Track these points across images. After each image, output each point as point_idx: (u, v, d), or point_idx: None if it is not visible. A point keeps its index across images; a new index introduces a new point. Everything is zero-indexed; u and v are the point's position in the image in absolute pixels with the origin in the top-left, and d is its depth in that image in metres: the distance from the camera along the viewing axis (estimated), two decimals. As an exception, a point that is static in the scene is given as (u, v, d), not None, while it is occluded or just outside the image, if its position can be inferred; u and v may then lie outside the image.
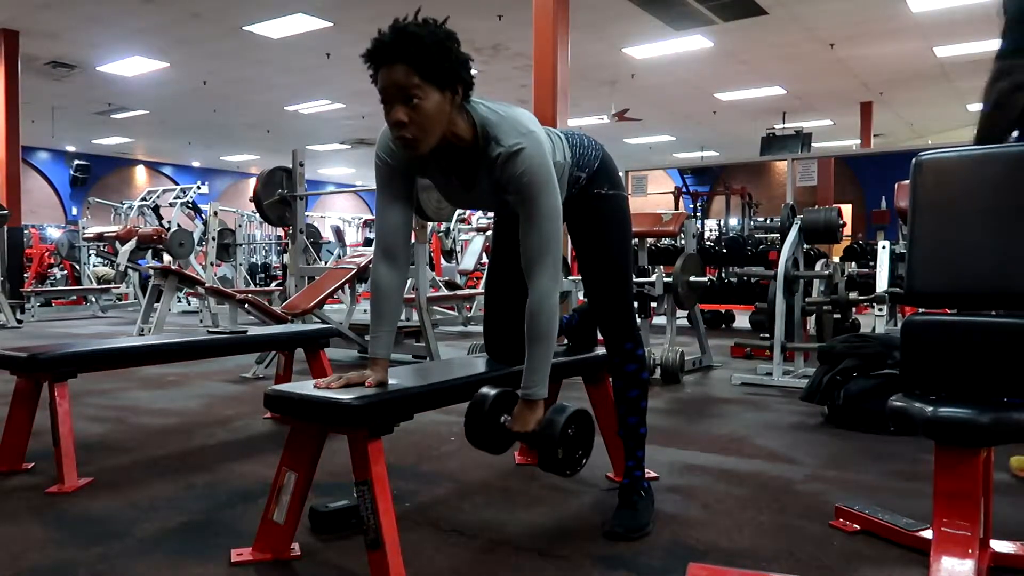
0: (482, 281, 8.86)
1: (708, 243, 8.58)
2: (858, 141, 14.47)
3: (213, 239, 10.27)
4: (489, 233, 9.66)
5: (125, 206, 12.83)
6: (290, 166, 5.79)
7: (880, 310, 4.65)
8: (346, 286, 5.51)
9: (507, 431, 1.72)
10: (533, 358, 1.71)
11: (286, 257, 9.78)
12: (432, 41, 1.54)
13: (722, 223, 15.09)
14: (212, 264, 10.31)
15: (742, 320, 8.36)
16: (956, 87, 12.46)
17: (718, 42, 10.01)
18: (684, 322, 6.19)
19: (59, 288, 11.47)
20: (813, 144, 13.55)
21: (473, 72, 1.65)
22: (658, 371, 4.45)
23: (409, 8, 1.61)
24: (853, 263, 7.29)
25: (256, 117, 14.86)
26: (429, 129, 1.59)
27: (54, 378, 2.37)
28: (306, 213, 6.92)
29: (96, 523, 2.01)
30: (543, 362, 1.71)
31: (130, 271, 10.41)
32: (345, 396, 1.59)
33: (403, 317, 5.98)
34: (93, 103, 13.64)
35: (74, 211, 18.65)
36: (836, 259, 6.97)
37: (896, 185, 5.89)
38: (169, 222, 11.55)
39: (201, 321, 8.30)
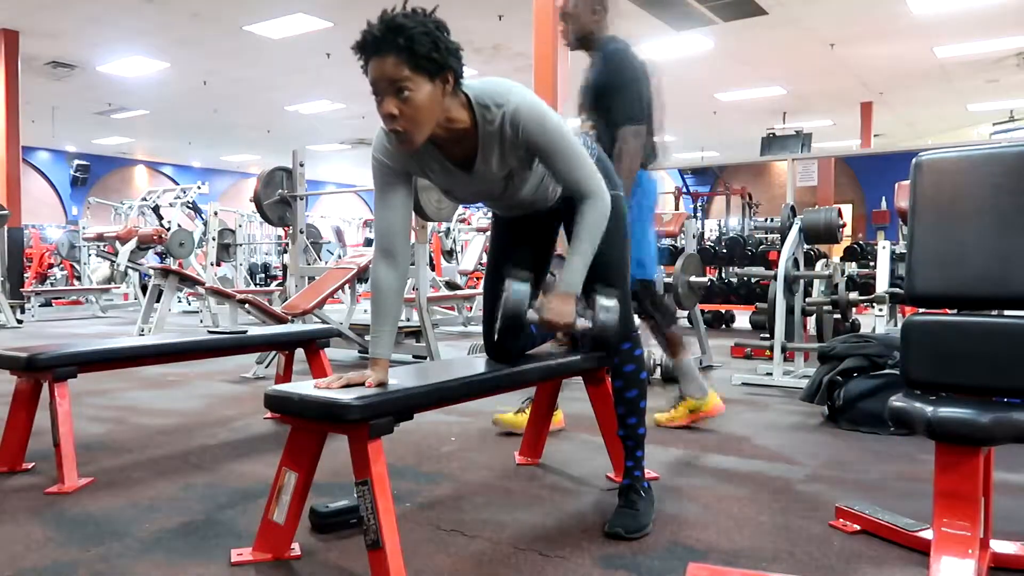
0: (482, 281, 8.85)
1: (708, 243, 8.58)
2: (858, 141, 14.47)
3: (213, 239, 10.27)
4: (489, 233, 9.65)
5: (125, 206, 12.83)
6: (290, 166, 5.79)
7: (880, 310, 4.65)
8: (346, 286, 5.51)
9: (542, 321, 1.76)
10: (579, 254, 1.78)
11: (286, 257, 9.78)
12: (421, 31, 1.53)
13: (722, 223, 15.08)
14: (212, 264, 10.31)
15: (742, 320, 8.36)
16: (956, 87, 12.46)
17: (718, 42, 10.01)
18: (684, 322, 6.19)
19: (59, 288, 11.47)
20: (813, 144, 13.55)
21: (465, 62, 1.64)
22: (658, 371, 4.45)
23: (409, 6, 1.61)
24: (853, 263, 7.29)
25: (256, 117, 14.86)
26: (421, 121, 1.59)
27: (54, 378, 2.37)
28: (306, 213, 6.92)
29: (96, 523, 2.01)
30: (586, 259, 1.79)
31: (130, 271, 10.41)
32: (345, 396, 1.59)
33: (403, 317, 5.98)
34: (93, 103, 13.64)
35: (74, 211, 18.65)
36: (836, 259, 6.97)
37: (896, 185, 5.89)
38: (169, 222, 11.55)
39: (201, 321, 8.30)
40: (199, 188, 12.26)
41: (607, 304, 1.77)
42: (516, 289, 1.76)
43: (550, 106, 1.75)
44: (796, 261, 4.52)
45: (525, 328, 1.81)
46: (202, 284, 6.80)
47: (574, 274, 1.78)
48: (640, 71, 2.90)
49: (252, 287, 11.16)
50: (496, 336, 2.01)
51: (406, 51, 1.52)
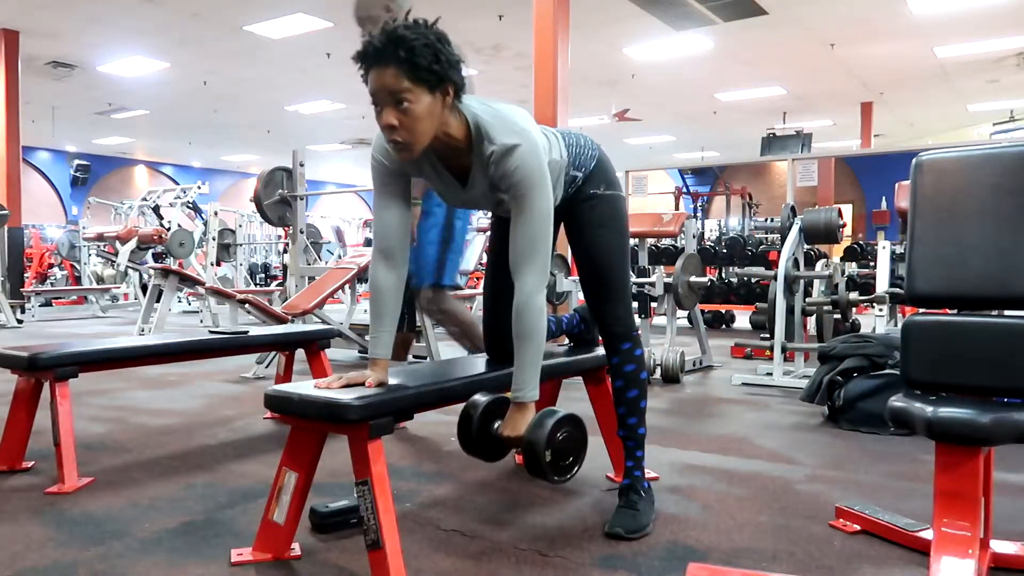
0: (482, 281, 8.84)
1: (708, 243, 8.58)
2: (858, 141, 14.47)
3: (213, 239, 10.27)
4: (489, 233, 9.64)
5: (125, 206, 12.83)
6: (290, 166, 5.79)
7: (880, 310, 4.65)
8: (346, 286, 5.51)
9: (499, 438, 1.70)
10: (521, 358, 1.70)
11: (286, 257, 9.77)
12: (422, 44, 1.53)
13: (722, 223, 15.08)
14: (212, 264, 10.31)
15: (742, 320, 8.36)
16: (956, 87, 12.46)
17: (718, 42, 10.01)
18: (684, 322, 6.19)
19: (59, 288, 11.47)
20: (813, 144, 13.55)
21: (467, 72, 1.64)
22: (658, 371, 4.45)
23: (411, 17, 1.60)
24: (853, 263, 7.29)
25: (256, 117, 14.86)
26: (419, 132, 1.59)
27: (55, 378, 2.37)
28: (306, 213, 6.92)
29: (96, 523, 2.01)
30: (532, 363, 1.70)
31: (130, 271, 10.41)
32: (345, 396, 1.59)
33: (403, 317, 5.97)
34: (93, 103, 13.64)
35: (74, 211, 18.64)
36: (836, 259, 6.97)
37: (896, 185, 5.89)
38: (169, 222, 11.55)
39: (201, 321, 8.31)
40: (199, 188, 12.25)
41: (540, 420, 1.67)
42: (475, 401, 1.73)
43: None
44: (796, 261, 4.52)
45: (486, 443, 1.73)
46: (202, 284, 6.80)
47: (524, 380, 1.69)
48: None
49: (252, 287, 11.16)
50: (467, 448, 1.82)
51: (407, 63, 1.52)
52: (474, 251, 10.03)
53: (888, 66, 11.17)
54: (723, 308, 8.10)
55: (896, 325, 4.67)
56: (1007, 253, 1.56)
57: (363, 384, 1.68)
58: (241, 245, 10.89)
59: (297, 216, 5.76)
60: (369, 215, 17.47)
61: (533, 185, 1.65)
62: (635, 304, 2.78)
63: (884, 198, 7.74)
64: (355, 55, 1.57)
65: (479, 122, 1.66)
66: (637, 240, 5.24)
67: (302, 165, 5.71)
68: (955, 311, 1.66)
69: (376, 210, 1.81)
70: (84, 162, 18.78)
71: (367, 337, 1.82)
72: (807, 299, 4.67)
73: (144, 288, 9.36)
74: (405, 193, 1.81)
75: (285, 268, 9.84)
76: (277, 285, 10.98)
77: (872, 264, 6.72)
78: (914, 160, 1.70)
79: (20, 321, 8.41)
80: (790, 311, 4.43)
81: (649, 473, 2.22)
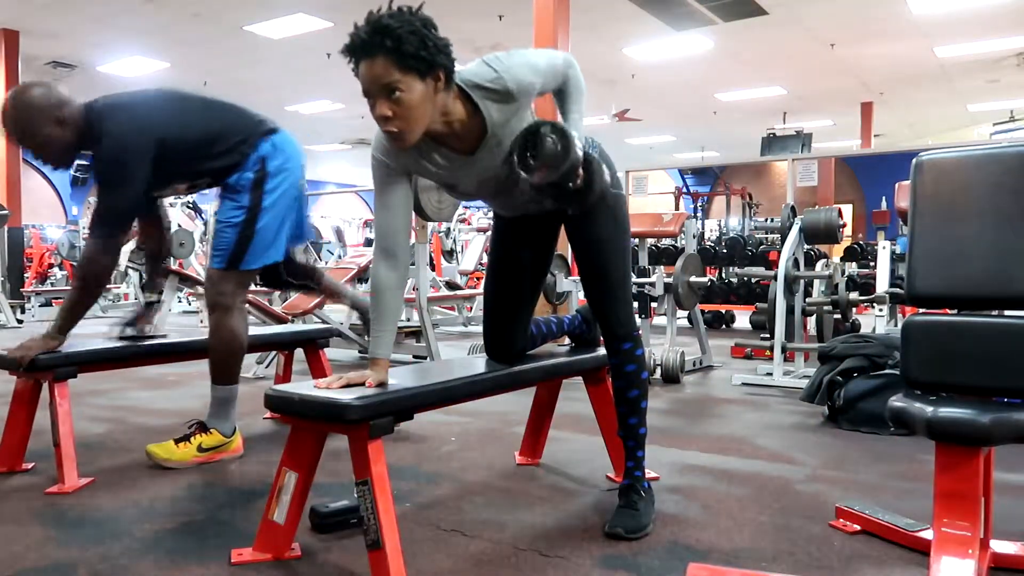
0: (482, 281, 8.85)
1: (708, 243, 8.58)
2: (858, 141, 14.48)
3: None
4: (489, 233, 9.66)
5: (125, 206, 12.78)
6: (290, 166, 5.77)
7: (880, 310, 4.65)
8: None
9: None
10: (577, 111, 1.87)
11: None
12: (408, 31, 1.52)
13: (722, 223, 15.08)
14: (212, 264, 10.28)
15: (742, 320, 8.36)
16: (956, 87, 12.47)
17: (718, 42, 10.01)
18: (684, 322, 6.19)
19: (59, 288, 11.46)
20: (813, 144, 13.55)
21: (453, 51, 1.63)
22: (658, 371, 4.45)
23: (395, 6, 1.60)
24: (853, 263, 7.29)
25: (256, 117, 14.86)
26: (414, 119, 1.59)
27: (54, 378, 2.37)
28: (306, 213, 6.90)
29: (96, 523, 2.01)
30: (582, 114, 1.87)
31: (130, 271, 10.40)
32: (345, 396, 1.59)
33: (403, 317, 5.98)
34: (93, 103, 13.63)
35: (74, 211, 18.63)
36: (836, 259, 6.97)
37: (896, 185, 5.88)
38: (170, 222, 11.52)
39: (201, 321, 8.30)
40: (199, 188, 12.23)
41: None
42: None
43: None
44: (796, 261, 4.52)
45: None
46: (202, 284, 6.79)
47: (575, 125, 1.82)
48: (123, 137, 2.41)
49: (252, 287, 11.15)
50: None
51: (394, 52, 1.52)
52: (474, 251, 10.05)
53: (888, 66, 11.17)
54: (723, 308, 8.10)
55: (896, 325, 4.68)
56: (1007, 253, 1.56)
57: (363, 384, 1.68)
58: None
59: (297, 216, 5.74)
60: (369, 215, 17.48)
61: (535, 55, 1.76)
62: (635, 304, 2.77)
63: (884, 198, 7.74)
64: (343, 48, 1.57)
65: (468, 79, 1.68)
66: (637, 240, 5.24)
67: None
68: (955, 311, 1.66)
69: (377, 209, 1.81)
70: (84, 162, 18.64)
71: (367, 337, 1.82)
72: (807, 299, 4.67)
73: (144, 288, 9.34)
74: (407, 192, 1.81)
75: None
76: (277, 285, 10.96)
77: (872, 264, 6.72)
78: (914, 160, 1.70)
79: (20, 321, 8.42)
80: (790, 311, 4.43)
81: (649, 473, 2.22)
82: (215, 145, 2.52)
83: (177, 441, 2.54)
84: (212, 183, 2.61)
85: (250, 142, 2.58)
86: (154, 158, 2.41)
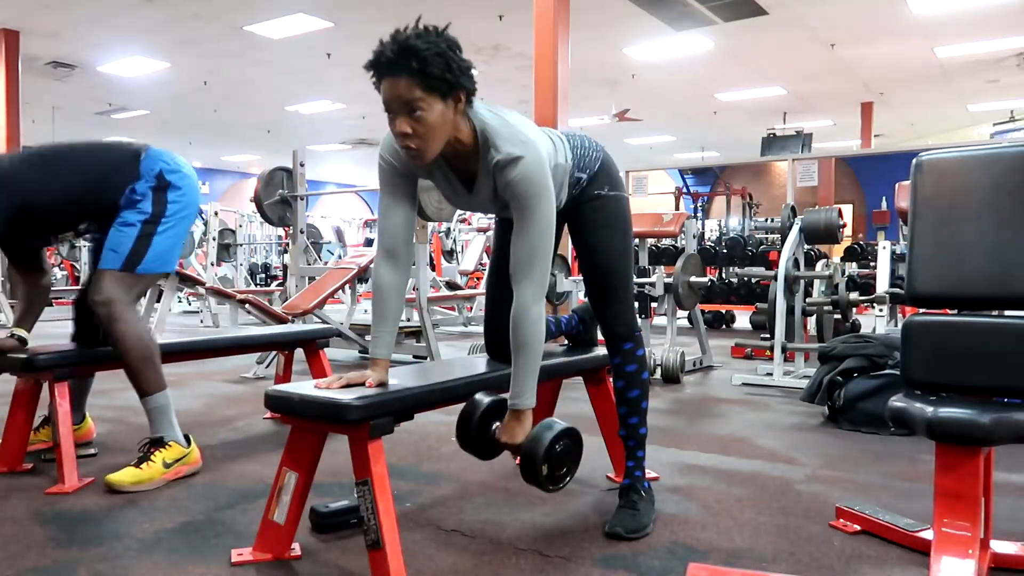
0: (482, 281, 8.87)
1: (709, 243, 8.58)
2: (858, 141, 14.46)
3: (214, 239, 10.27)
4: (490, 233, 9.67)
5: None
6: (290, 166, 5.79)
7: (880, 310, 4.65)
8: (347, 286, 5.51)
9: (496, 441, 1.72)
10: (518, 367, 1.70)
11: (287, 257, 9.77)
12: (434, 52, 1.54)
13: (723, 223, 15.08)
14: (212, 264, 10.30)
15: (742, 320, 8.36)
16: (956, 87, 12.46)
17: (718, 42, 10.00)
18: (684, 322, 6.19)
19: (59, 288, 11.46)
20: (813, 144, 13.55)
21: (475, 74, 1.65)
22: (659, 371, 4.45)
23: (410, 9, 1.61)
24: (853, 263, 7.28)
25: (257, 117, 14.86)
26: (432, 138, 1.60)
27: (54, 378, 2.37)
28: (306, 213, 6.92)
29: (96, 523, 2.01)
30: (528, 371, 1.70)
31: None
32: (345, 396, 1.59)
33: (403, 317, 5.98)
34: (93, 103, 13.63)
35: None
36: (836, 259, 6.97)
37: (896, 185, 5.89)
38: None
39: (201, 321, 8.31)
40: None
41: (539, 434, 1.68)
42: (476, 400, 1.73)
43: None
44: (796, 261, 4.52)
45: (483, 443, 1.74)
46: (202, 284, 6.79)
47: (521, 388, 1.69)
48: None
49: (252, 287, 11.16)
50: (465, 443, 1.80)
51: (419, 73, 1.53)
52: (474, 251, 10.05)
53: (888, 66, 11.16)
54: (723, 308, 8.10)
55: (896, 325, 4.67)
56: (1007, 253, 1.56)
57: (363, 384, 1.68)
58: (241, 245, 10.89)
59: (297, 216, 5.76)
60: (369, 215, 17.48)
61: (536, 196, 1.65)
62: (636, 304, 2.77)
63: (884, 198, 7.75)
64: (367, 64, 1.58)
65: (486, 129, 1.67)
66: (637, 240, 5.24)
67: (302, 165, 5.71)
68: (955, 311, 1.66)
69: (382, 210, 1.81)
70: None
71: (367, 337, 1.82)
72: (807, 299, 4.67)
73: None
74: (411, 193, 1.82)
75: (285, 268, 9.84)
76: (277, 285, 10.99)
77: (872, 264, 6.72)
78: (914, 160, 1.70)
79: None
80: (790, 311, 4.43)
81: (649, 473, 2.22)
82: (86, 194, 2.41)
83: (137, 464, 2.36)
84: (101, 225, 2.47)
85: (126, 170, 2.43)
86: (18, 219, 2.32)
